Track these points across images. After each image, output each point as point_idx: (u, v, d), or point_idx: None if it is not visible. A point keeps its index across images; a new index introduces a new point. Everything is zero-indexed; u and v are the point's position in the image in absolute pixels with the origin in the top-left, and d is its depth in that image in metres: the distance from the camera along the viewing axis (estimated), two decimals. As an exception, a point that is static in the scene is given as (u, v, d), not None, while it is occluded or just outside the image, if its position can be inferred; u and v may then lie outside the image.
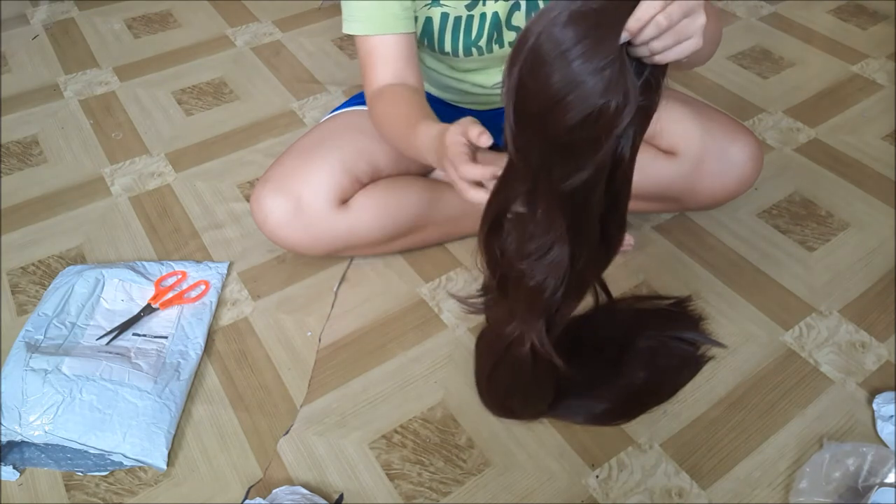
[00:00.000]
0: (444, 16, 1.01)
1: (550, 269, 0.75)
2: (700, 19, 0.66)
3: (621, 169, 0.73)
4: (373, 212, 1.07)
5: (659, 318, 1.05)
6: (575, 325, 1.00)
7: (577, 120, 0.64)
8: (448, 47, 1.05)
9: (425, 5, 1.00)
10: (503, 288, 0.81)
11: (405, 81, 1.01)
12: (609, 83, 0.63)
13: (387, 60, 1.00)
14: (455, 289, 1.16)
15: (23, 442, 0.93)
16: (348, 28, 1.01)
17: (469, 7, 1.01)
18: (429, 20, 1.02)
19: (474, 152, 0.77)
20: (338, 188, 1.05)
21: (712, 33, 0.88)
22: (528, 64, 0.64)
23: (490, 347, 0.95)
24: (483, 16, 1.01)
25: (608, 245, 0.80)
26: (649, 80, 0.68)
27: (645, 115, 0.70)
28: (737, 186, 1.11)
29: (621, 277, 1.16)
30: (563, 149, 0.67)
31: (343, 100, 1.53)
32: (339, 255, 1.17)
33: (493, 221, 0.76)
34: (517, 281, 0.78)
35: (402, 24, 0.99)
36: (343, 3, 1.00)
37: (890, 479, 0.86)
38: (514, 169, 0.72)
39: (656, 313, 1.06)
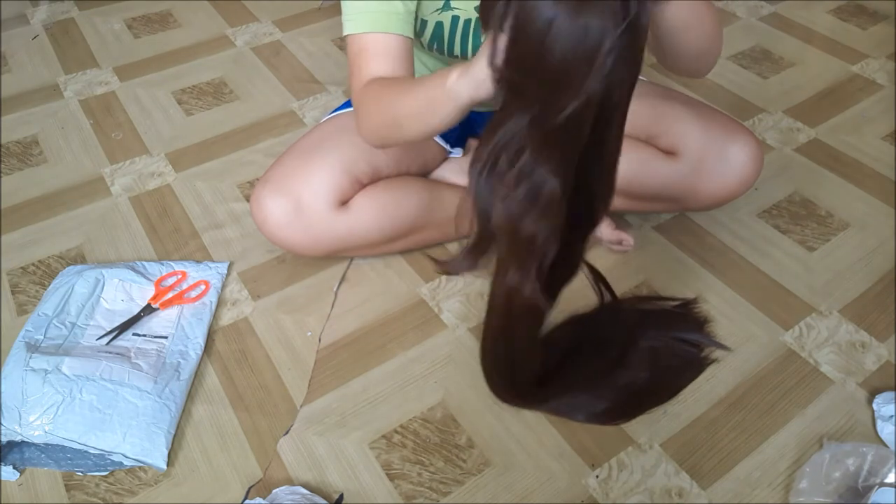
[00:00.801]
0: (455, 19, 1.01)
1: (544, 211, 0.73)
2: None
3: (609, 112, 0.72)
4: (372, 213, 1.07)
5: (663, 318, 1.05)
6: (578, 324, 1.00)
7: (566, 47, 0.64)
8: (457, 50, 1.05)
9: (436, 10, 1.00)
10: (492, 243, 0.78)
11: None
12: (593, 8, 0.63)
13: (380, 56, 0.94)
14: (455, 289, 1.16)
15: (23, 442, 0.93)
16: (346, 29, 0.96)
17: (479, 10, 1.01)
18: (439, 24, 1.01)
19: None
20: (338, 189, 1.04)
21: (712, 30, 0.88)
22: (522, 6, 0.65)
23: (491, 311, 0.91)
24: None
25: (595, 206, 0.78)
26: (636, 20, 0.68)
27: (633, 57, 0.70)
28: (737, 187, 1.11)
29: (621, 277, 1.16)
30: (555, 79, 0.67)
31: (343, 100, 1.53)
32: (339, 256, 1.17)
33: (489, 164, 0.74)
34: (510, 235, 0.76)
35: (401, 25, 0.95)
36: (342, 9, 0.97)
37: (890, 479, 0.86)
38: (508, 109, 0.71)
39: (660, 314, 1.06)
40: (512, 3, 0.66)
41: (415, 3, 0.96)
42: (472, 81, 0.74)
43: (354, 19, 0.95)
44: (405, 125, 0.89)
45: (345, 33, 0.97)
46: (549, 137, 0.71)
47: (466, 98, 0.76)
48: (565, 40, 0.64)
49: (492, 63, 0.70)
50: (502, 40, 0.68)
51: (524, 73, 0.68)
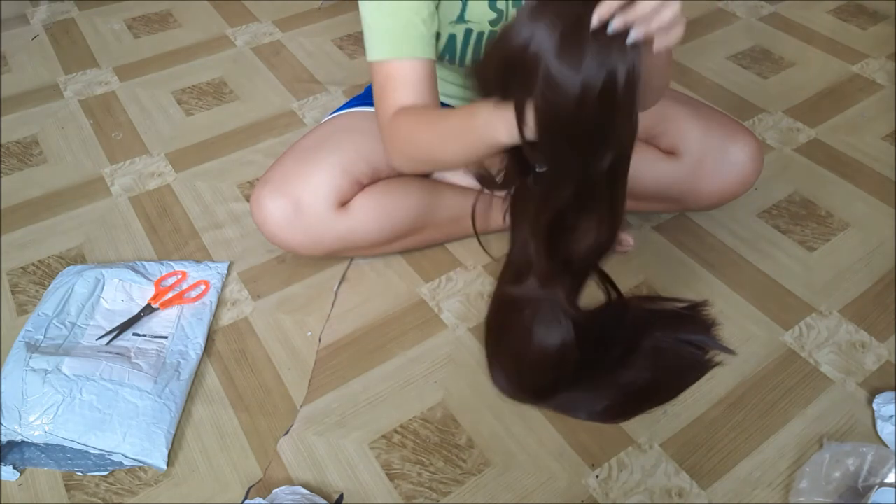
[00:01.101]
0: (468, 32, 1.00)
1: (594, 251, 0.82)
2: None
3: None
4: (372, 214, 1.07)
5: (669, 319, 1.05)
6: (582, 322, 1.00)
7: (599, 102, 0.68)
8: (468, 61, 1.04)
9: (450, 22, 0.99)
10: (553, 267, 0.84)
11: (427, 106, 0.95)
12: (612, 53, 0.67)
13: (406, 83, 0.94)
14: (455, 289, 1.16)
15: (23, 442, 0.93)
16: (371, 55, 0.95)
17: (493, 23, 1.00)
18: (452, 37, 1.01)
19: None
20: (338, 190, 1.04)
21: (663, 72, 0.88)
22: (545, 88, 0.69)
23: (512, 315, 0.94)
24: None
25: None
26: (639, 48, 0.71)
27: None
28: (737, 187, 1.11)
29: (621, 277, 1.15)
30: (592, 137, 0.71)
31: (343, 100, 1.53)
32: (339, 256, 1.17)
33: (552, 231, 0.81)
34: (563, 261, 0.83)
35: (423, 47, 0.94)
36: (365, 34, 0.96)
37: (890, 479, 0.86)
38: (555, 188, 0.77)
39: (667, 315, 1.06)
40: (535, 76, 0.68)
41: (435, 22, 0.95)
42: (515, 136, 0.76)
43: (377, 46, 0.94)
44: (442, 161, 0.94)
45: (369, 59, 0.95)
46: (590, 189, 0.76)
47: (507, 144, 0.78)
48: (596, 96, 0.67)
49: (524, 137, 0.73)
50: (530, 115, 0.71)
51: (562, 142, 0.72)
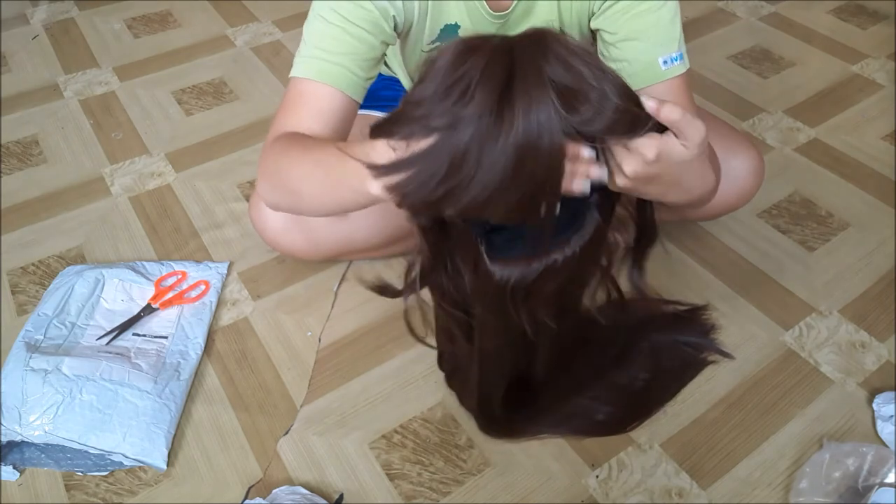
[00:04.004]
0: None
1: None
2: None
3: None
4: (372, 218, 1.06)
5: (667, 321, 1.05)
6: (582, 320, 0.99)
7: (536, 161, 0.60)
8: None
9: (431, 42, 0.96)
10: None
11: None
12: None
13: (316, 109, 0.83)
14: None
15: (23, 442, 0.93)
16: (294, 69, 0.87)
17: None
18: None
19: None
20: None
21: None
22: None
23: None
24: None
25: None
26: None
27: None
28: (736, 200, 1.10)
29: (621, 277, 1.15)
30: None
31: (343, 100, 1.53)
32: (338, 260, 1.17)
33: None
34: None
35: (353, 87, 0.86)
36: (299, 50, 0.89)
37: (890, 479, 0.86)
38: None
39: (665, 317, 1.06)
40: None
41: (375, 71, 0.90)
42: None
43: (305, 63, 0.87)
44: (303, 198, 0.80)
45: (291, 74, 0.88)
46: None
47: (379, 198, 0.66)
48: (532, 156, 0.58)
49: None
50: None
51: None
